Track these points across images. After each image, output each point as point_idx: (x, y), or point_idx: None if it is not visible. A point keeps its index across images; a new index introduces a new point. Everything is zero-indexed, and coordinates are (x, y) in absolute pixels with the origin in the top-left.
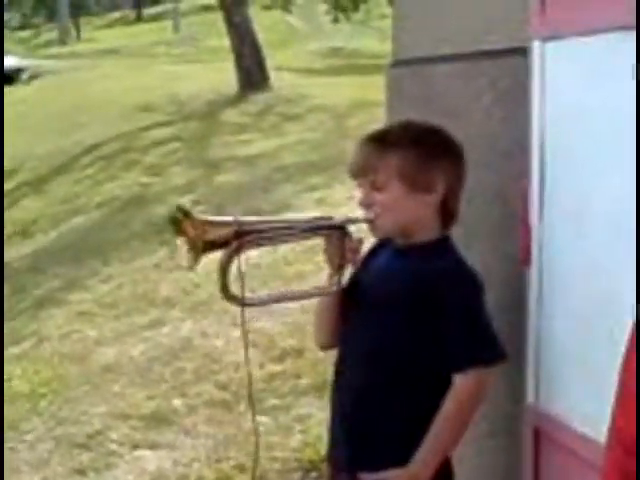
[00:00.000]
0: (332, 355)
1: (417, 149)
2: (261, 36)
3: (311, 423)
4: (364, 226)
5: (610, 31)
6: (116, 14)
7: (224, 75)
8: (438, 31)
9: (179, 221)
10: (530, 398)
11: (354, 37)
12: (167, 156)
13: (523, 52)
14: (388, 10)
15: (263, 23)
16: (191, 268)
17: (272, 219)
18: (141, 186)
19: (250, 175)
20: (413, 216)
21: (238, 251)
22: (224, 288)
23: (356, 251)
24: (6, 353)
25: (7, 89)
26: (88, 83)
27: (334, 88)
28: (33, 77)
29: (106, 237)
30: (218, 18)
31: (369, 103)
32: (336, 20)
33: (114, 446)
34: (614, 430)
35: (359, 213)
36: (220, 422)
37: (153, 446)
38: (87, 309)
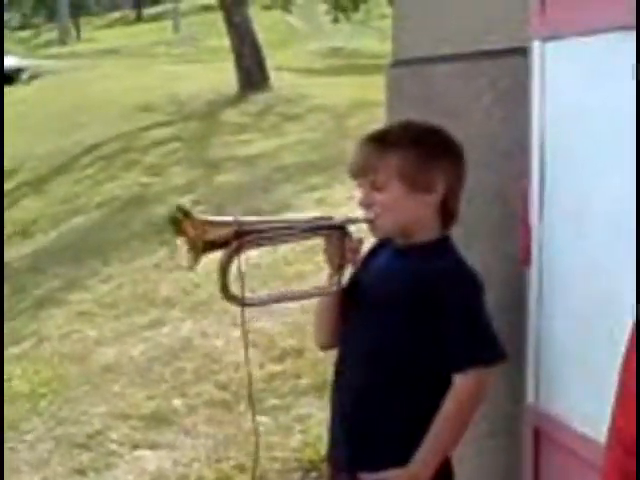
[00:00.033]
0: (332, 355)
1: (417, 149)
2: (261, 36)
3: (311, 423)
4: (364, 226)
5: (610, 31)
6: (116, 14)
7: (224, 75)
8: (438, 31)
9: (179, 221)
10: (530, 398)
11: (354, 37)
12: (167, 156)
13: (523, 52)
14: (388, 10)
15: (263, 23)
16: (191, 268)
17: (272, 219)
18: (141, 186)
19: (250, 175)
20: (413, 216)
21: (238, 251)
22: (224, 288)
23: (356, 251)
24: (6, 353)
25: (7, 89)
26: (88, 83)
27: (334, 88)
28: (33, 77)
29: (106, 237)
30: (218, 18)
31: (369, 103)
32: (336, 20)
33: (114, 446)
34: (614, 430)
35: (359, 213)
36: (220, 422)
37: (153, 446)
38: (87, 309)
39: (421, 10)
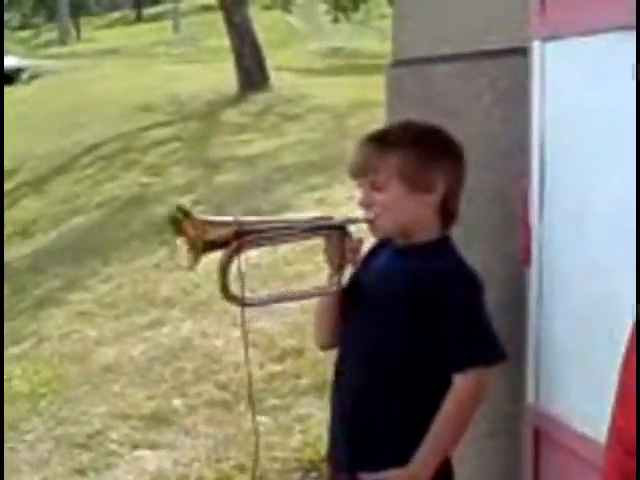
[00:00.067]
0: (332, 355)
1: (417, 149)
2: (261, 36)
3: (311, 423)
4: (364, 226)
5: (610, 31)
6: (116, 14)
7: (224, 75)
8: (438, 31)
9: (179, 221)
10: (530, 398)
11: (354, 37)
12: (167, 156)
13: (523, 52)
14: (388, 10)
15: (263, 23)
16: (191, 268)
17: (272, 219)
18: (141, 186)
19: (250, 175)
20: (413, 216)
21: (238, 251)
22: (224, 288)
23: (356, 251)
24: (6, 353)
25: (7, 89)
26: (88, 83)
27: (334, 88)
28: (33, 77)
29: (106, 237)
30: (218, 18)
31: (369, 103)
32: (336, 20)
33: (114, 446)
34: (614, 430)
35: (359, 213)
36: (220, 422)
37: (153, 446)
38: (87, 309)
39: (421, 10)
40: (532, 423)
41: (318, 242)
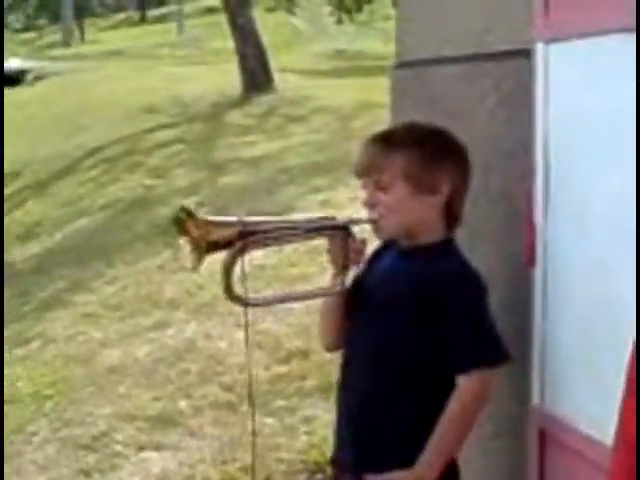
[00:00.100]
0: (338, 357)
1: (421, 150)
2: (265, 38)
3: (317, 425)
4: (368, 227)
5: (612, 33)
6: (120, 16)
7: (228, 77)
8: (442, 33)
9: (183, 221)
10: (535, 399)
11: (358, 39)
12: (171, 158)
13: (527, 54)
14: (392, 11)
15: (267, 25)
16: (195, 269)
17: (276, 219)
18: (145, 188)
19: (254, 177)
20: (417, 217)
21: (242, 251)
22: (228, 288)
23: (360, 251)
24: (12, 355)
25: (12, 90)
26: (92, 85)
27: (338, 90)
28: (38, 79)
29: (110, 239)
30: (222, 20)
31: (373, 105)
32: (340, 21)
33: (119, 447)
34: (621, 432)
35: (363, 214)
36: (225, 423)
37: (158, 447)
38: (92, 311)
39: (425, 12)
40: (537, 425)
41: (322, 243)
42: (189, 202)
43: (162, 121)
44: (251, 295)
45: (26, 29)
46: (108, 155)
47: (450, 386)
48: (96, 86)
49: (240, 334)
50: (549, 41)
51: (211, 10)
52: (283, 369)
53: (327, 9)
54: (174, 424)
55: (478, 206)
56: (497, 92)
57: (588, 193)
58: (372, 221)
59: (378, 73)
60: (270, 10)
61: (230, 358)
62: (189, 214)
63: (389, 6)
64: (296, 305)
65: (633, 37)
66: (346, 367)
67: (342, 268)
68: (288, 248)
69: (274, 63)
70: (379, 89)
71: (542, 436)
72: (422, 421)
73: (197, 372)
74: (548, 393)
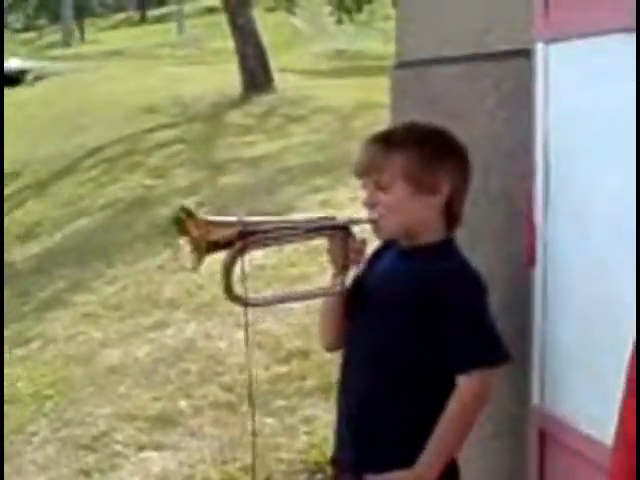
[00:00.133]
0: (338, 357)
1: (422, 150)
2: (265, 38)
3: (317, 425)
4: (368, 227)
5: (612, 33)
6: (120, 16)
7: (228, 77)
8: (442, 33)
9: (183, 221)
10: (535, 400)
11: (358, 39)
12: (171, 158)
13: (527, 54)
14: (392, 11)
15: (267, 25)
16: (195, 269)
17: (276, 219)
18: (145, 188)
19: (254, 177)
20: (417, 217)
21: (242, 251)
22: (228, 288)
23: (360, 251)
24: (12, 355)
25: (13, 90)
26: (92, 85)
27: (338, 90)
28: (38, 79)
29: (110, 239)
30: (222, 20)
31: (373, 105)
32: (340, 21)
33: (119, 447)
34: (622, 433)
35: (363, 214)
36: (225, 424)
37: (158, 447)
38: (92, 311)
39: (425, 12)
40: (537, 425)
41: (322, 243)
42: (189, 202)
43: (162, 121)
44: (251, 295)
45: (26, 29)
46: (108, 155)
47: (450, 386)
48: (96, 86)
49: (240, 334)
50: (549, 41)
51: (211, 10)
52: (283, 369)
53: (327, 9)
54: (174, 424)
55: (478, 206)
56: (497, 92)
57: (588, 193)
58: (372, 221)
59: (378, 73)
60: (270, 10)
61: (230, 358)
62: (189, 214)
63: (389, 6)
64: (296, 305)
65: (633, 37)
66: (346, 367)
67: (342, 268)
68: (288, 248)
69: (274, 63)
70: (379, 89)
71: (542, 436)
72: (422, 421)
73: (197, 372)
74: (548, 393)
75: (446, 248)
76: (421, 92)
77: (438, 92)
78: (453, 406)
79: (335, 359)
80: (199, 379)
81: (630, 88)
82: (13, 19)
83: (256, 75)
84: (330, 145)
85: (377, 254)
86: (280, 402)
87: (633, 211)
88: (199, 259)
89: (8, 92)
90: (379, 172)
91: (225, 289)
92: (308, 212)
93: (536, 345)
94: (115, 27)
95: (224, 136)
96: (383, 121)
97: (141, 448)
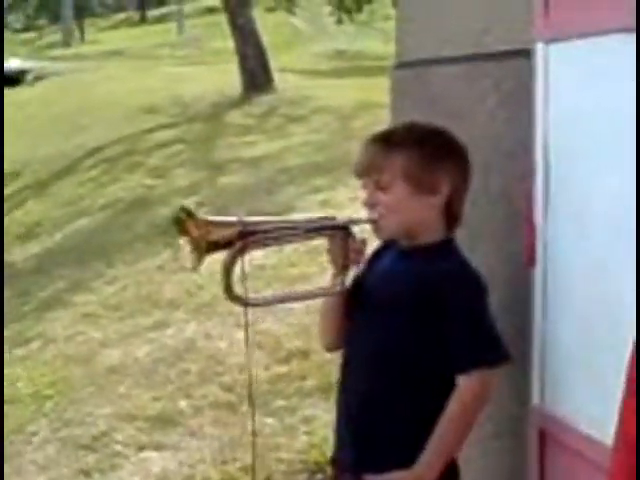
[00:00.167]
0: (338, 357)
1: (422, 150)
2: (265, 38)
3: (317, 425)
4: (368, 227)
5: (612, 33)
6: (120, 16)
7: (228, 77)
8: (442, 33)
9: (182, 221)
10: (535, 400)
11: (358, 39)
12: (171, 158)
13: (527, 54)
14: (392, 11)
15: (267, 25)
16: (195, 269)
17: (276, 219)
18: (145, 188)
19: (254, 177)
20: (417, 217)
21: (242, 251)
22: (228, 288)
23: (360, 251)
24: (12, 355)
25: (13, 90)
26: (92, 85)
27: (338, 90)
28: (38, 79)
29: (110, 239)
30: (222, 20)
31: (373, 105)
32: (340, 21)
33: (119, 447)
34: (622, 433)
35: (363, 214)
36: (225, 424)
37: (158, 447)
38: (92, 311)
39: (425, 12)
40: (537, 425)
41: (322, 243)
42: (189, 202)
43: (162, 121)
44: (251, 295)
45: (26, 29)
46: (108, 155)
47: (450, 386)
48: (96, 86)
49: (240, 334)
50: (549, 41)
51: (211, 10)
52: (283, 369)
53: (327, 9)
54: (174, 424)
55: (478, 206)
56: (497, 92)
57: (588, 193)
58: (372, 221)
59: (378, 73)
60: (270, 10)
61: (230, 358)
62: (189, 214)
63: (389, 6)
64: (296, 305)
65: (633, 37)
66: (346, 367)
67: (342, 268)
68: (288, 248)
69: (274, 63)
70: (379, 89)
71: (542, 436)
72: (422, 421)
73: (197, 372)
74: (548, 393)
75: (446, 248)
76: (421, 92)
77: (438, 92)
78: (453, 406)
79: (335, 359)
80: (199, 379)
81: (630, 88)
82: (13, 19)
83: (256, 75)
84: (330, 145)
85: (377, 254)
86: (280, 402)
87: (633, 211)
88: (199, 259)
89: (8, 92)
90: (379, 172)
91: (225, 289)
92: (308, 212)
93: (536, 345)
94: (115, 27)
95: (224, 136)
96: (383, 121)
97: (141, 448)
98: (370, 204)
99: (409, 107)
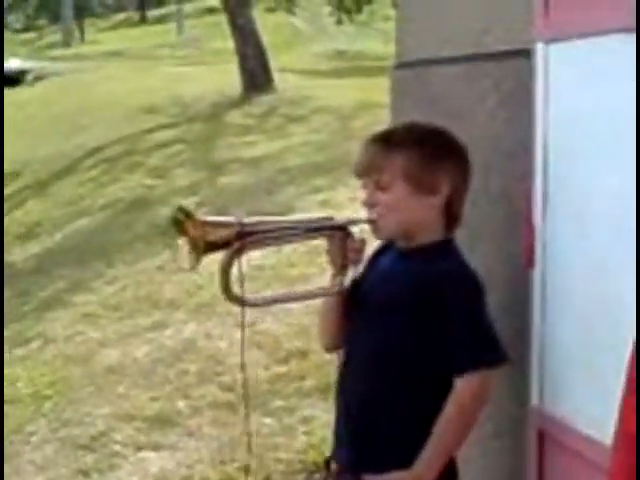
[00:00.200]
0: (337, 357)
1: (421, 149)
2: (265, 38)
3: (315, 425)
4: (368, 227)
5: (612, 33)
6: (120, 16)
7: (228, 77)
8: (442, 33)
9: (181, 222)
10: (534, 400)
11: (357, 39)
12: (171, 158)
13: (527, 54)
14: (391, 11)
15: (267, 25)
16: (192, 269)
17: (274, 219)
18: (145, 188)
19: (254, 177)
20: (417, 217)
21: (240, 252)
22: (226, 289)
23: (359, 252)
24: (11, 355)
25: (13, 90)
26: (92, 85)
27: (338, 90)
28: (38, 79)
29: (110, 239)
30: (222, 20)
31: (373, 105)
32: (340, 22)
33: (118, 447)
34: (621, 432)
35: (362, 214)
36: (224, 424)
37: (157, 447)
38: (91, 311)
39: (425, 12)
40: (537, 425)
41: (321, 243)
42: (189, 202)
43: (162, 121)
44: (249, 295)
45: (26, 29)
46: (108, 155)
47: (449, 386)
48: (96, 86)
49: (239, 334)
50: (549, 41)
51: (211, 10)
52: (282, 369)
53: (327, 9)
54: (172, 424)
55: (478, 206)
56: (497, 92)
57: (588, 193)
58: (371, 221)
59: (378, 73)
60: (270, 10)
61: (229, 358)
62: (187, 214)
63: (389, 6)
64: (295, 305)
65: (633, 37)
66: (345, 367)
67: (341, 268)
68: (287, 248)
69: (274, 63)
70: (379, 89)
71: (541, 436)
72: (421, 421)
73: (196, 372)
74: (547, 394)
75: (445, 248)
76: (421, 92)
77: (438, 92)
78: (451, 407)
79: (334, 359)
80: (198, 379)
81: (630, 88)
82: (13, 19)
83: (256, 75)
84: (330, 145)
85: (377, 254)
86: (279, 402)
87: (633, 211)
88: (197, 259)
89: (8, 92)
90: (379, 172)
91: (223, 289)
92: (308, 212)
93: (535, 346)
94: (115, 27)
95: (224, 136)
96: (383, 121)
97: (139, 448)
98: (370, 204)
99: (409, 107)
